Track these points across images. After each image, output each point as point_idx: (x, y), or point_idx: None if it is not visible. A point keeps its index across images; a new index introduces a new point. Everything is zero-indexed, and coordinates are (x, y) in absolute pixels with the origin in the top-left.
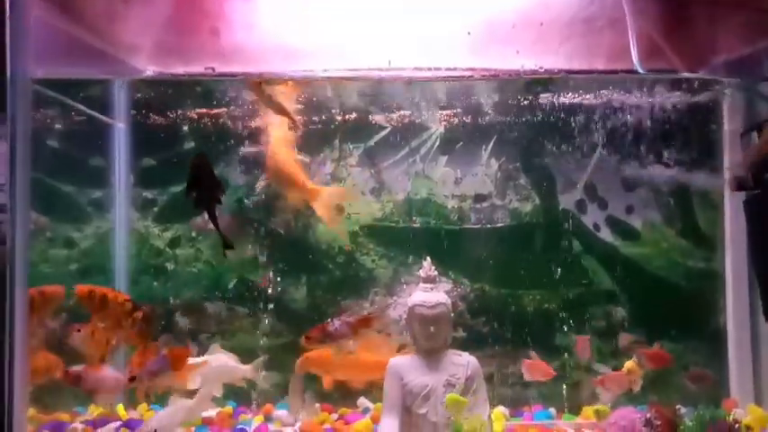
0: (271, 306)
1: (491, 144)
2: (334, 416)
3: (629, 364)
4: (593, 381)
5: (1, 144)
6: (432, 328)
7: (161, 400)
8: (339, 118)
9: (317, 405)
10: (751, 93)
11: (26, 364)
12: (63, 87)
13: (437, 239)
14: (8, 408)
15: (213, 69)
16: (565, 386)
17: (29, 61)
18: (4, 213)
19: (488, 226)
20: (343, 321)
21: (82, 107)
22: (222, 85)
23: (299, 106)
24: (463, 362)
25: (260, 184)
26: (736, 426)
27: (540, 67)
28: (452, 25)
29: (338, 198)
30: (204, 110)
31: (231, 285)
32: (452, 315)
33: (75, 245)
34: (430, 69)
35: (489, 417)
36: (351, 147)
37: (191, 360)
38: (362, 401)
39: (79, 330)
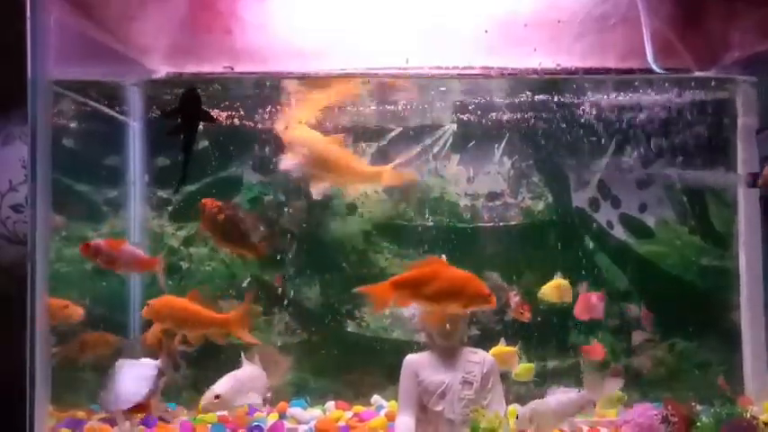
0: (284, 304)
1: (503, 142)
2: (349, 413)
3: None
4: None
5: (20, 144)
6: (448, 326)
7: None
8: (353, 116)
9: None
10: (766, 89)
11: (48, 361)
12: (78, 87)
13: (450, 237)
14: (30, 405)
15: (232, 68)
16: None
17: (49, 62)
18: (24, 212)
19: (501, 224)
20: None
21: (97, 105)
22: (237, 85)
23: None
24: (479, 359)
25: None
26: (755, 422)
27: (558, 65)
28: (469, 23)
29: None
30: (219, 109)
31: (245, 284)
32: (468, 312)
33: None
34: (447, 68)
35: (506, 414)
36: (363, 145)
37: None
38: (376, 399)
39: None
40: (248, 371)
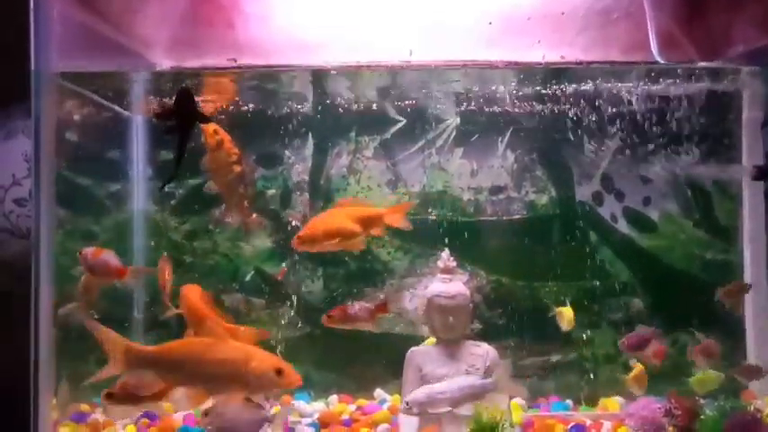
0: (287, 298)
1: (507, 136)
2: (352, 406)
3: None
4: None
5: (23, 138)
6: (451, 319)
7: None
8: (355, 110)
9: None
10: None
11: (51, 357)
12: (80, 80)
13: (453, 231)
14: (33, 400)
15: (235, 60)
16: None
17: (52, 55)
18: (28, 207)
19: (504, 218)
20: (362, 306)
21: (99, 99)
22: (239, 77)
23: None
24: (482, 352)
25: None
26: (759, 415)
27: (562, 57)
28: (472, 15)
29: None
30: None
31: (248, 277)
32: (471, 305)
33: (94, 237)
34: (451, 60)
35: (508, 407)
36: (366, 139)
37: None
38: (379, 392)
39: None
40: None
